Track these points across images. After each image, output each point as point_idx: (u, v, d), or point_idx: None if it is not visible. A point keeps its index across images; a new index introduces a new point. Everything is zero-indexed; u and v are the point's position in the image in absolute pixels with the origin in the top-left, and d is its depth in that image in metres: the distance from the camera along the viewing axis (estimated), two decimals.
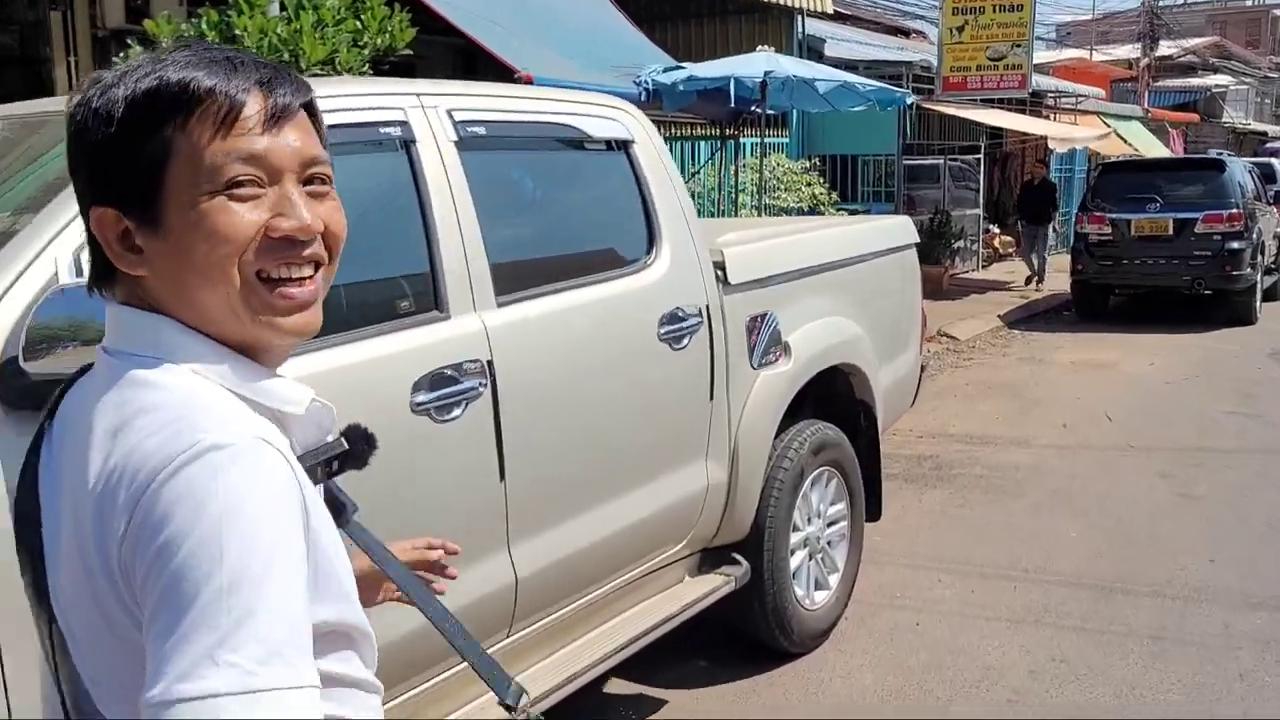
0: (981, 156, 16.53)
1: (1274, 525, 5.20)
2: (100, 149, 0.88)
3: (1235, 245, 11.29)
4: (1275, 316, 12.05)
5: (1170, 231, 11.55)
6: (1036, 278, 14.07)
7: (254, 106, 0.89)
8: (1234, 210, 11.33)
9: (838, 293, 3.98)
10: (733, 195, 11.63)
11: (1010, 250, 18.97)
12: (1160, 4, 31.88)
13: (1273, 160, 18.57)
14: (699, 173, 11.92)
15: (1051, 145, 13.74)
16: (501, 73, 7.42)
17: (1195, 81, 37.15)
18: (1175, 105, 32.77)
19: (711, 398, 3.24)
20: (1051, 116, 18.76)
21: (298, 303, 0.91)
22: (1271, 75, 48.16)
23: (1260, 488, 5.82)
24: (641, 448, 3.01)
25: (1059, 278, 13.85)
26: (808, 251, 3.84)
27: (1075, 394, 8.37)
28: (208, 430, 0.80)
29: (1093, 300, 12.38)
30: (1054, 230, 14.64)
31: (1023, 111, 17.24)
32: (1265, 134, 40.02)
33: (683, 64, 9.18)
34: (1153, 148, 21.64)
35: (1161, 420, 7.46)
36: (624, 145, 3.17)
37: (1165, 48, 32.49)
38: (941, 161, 15.46)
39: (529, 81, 7.46)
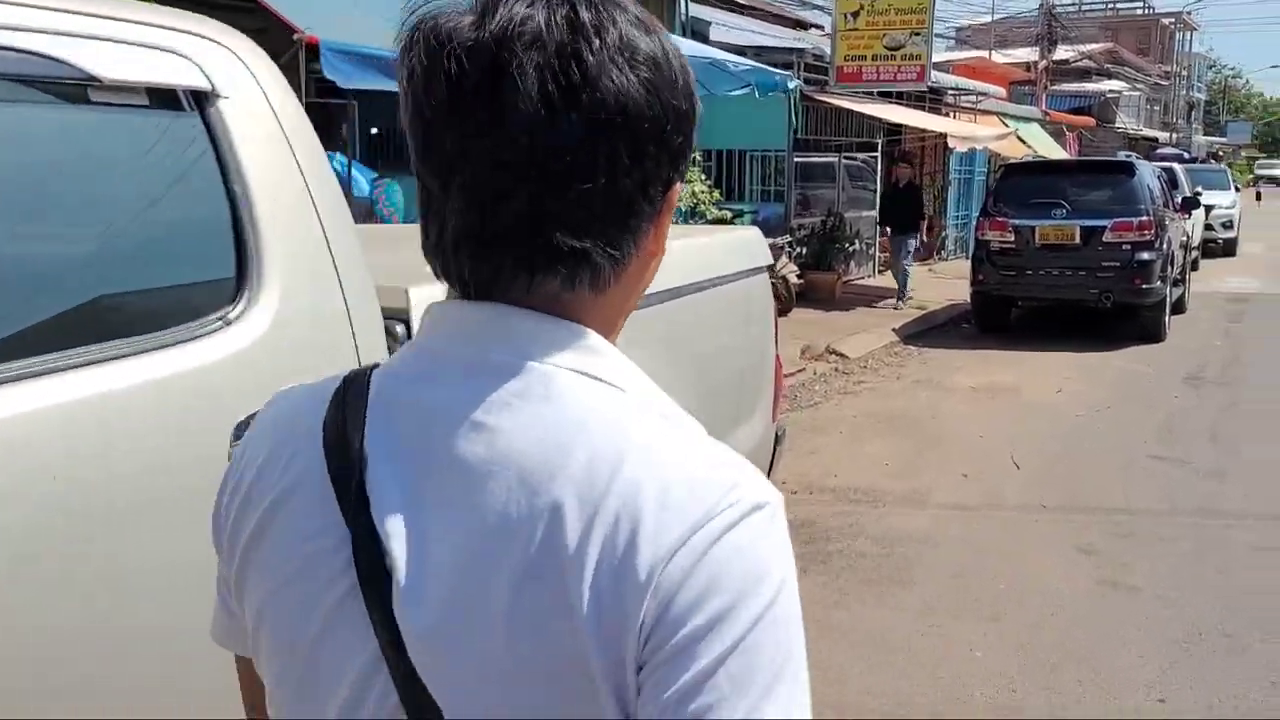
0: (879, 155, 15.47)
1: (1232, 636, 4.02)
2: (684, 115, 0.74)
3: (1145, 256, 10.36)
4: (1184, 332, 11.19)
5: (1077, 240, 10.57)
6: (897, 295, 12.64)
7: None
8: (1144, 218, 10.39)
9: (648, 344, 2.61)
10: None
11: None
12: (1056, 8, 31.96)
13: (1174, 165, 18.01)
14: None
15: (951, 144, 12.68)
16: (280, 32, 5.87)
17: (1090, 86, 37.67)
18: (1071, 110, 32.84)
19: None
20: (951, 115, 17.87)
21: None
22: (1162, 82, 49.24)
23: (1204, 573, 4.67)
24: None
25: (950, 288, 12.84)
26: None
27: (977, 430, 7.21)
28: (741, 479, 0.70)
29: (994, 313, 11.36)
30: (921, 240, 13.44)
31: (921, 108, 16.26)
32: (1156, 140, 40.57)
33: None
34: (1051, 150, 21.01)
35: (1077, 468, 6.32)
36: (199, 102, 1.73)
37: (1062, 52, 32.67)
38: (836, 159, 14.33)
39: (312, 45, 5.94)
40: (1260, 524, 5.30)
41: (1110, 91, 38.53)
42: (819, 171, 14.79)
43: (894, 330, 11.10)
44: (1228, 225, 20.54)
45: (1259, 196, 40.47)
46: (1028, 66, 31.12)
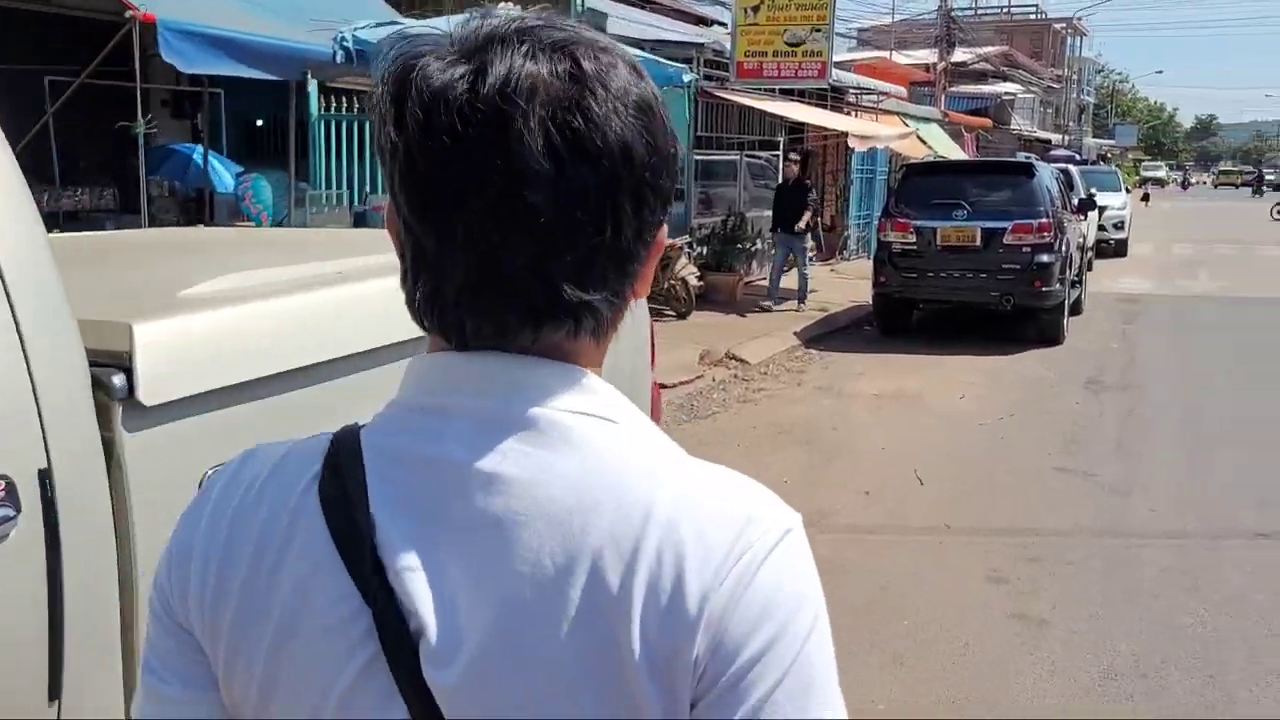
0: (780, 153, 15.23)
1: (1148, 676, 3.74)
2: (672, 158, 0.74)
3: (1044, 259, 10.27)
4: (1082, 333, 11.17)
5: (977, 242, 10.43)
6: (785, 299, 12.13)
7: None
8: (1044, 219, 10.30)
9: None
10: None
11: (813, 254, 17.93)
12: (953, 10, 32.52)
13: (1069, 167, 18.23)
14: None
15: (851, 143, 12.49)
16: (113, 10, 5.22)
17: (986, 89, 38.43)
18: (968, 111, 33.44)
19: (52, 700, 1.34)
20: (853, 114, 17.77)
21: None
22: (1054, 85, 50.68)
23: (1115, 601, 4.40)
24: None
25: (852, 289, 12.65)
26: (365, 314, 1.95)
27: (879, 441, 6.92)
28: (765, 506, 0.73)
29: (896, 315, 11.18)
30: (819, 240, 13.21)
31: (824, 107, 16.09)
32: (1049, 141, 41.65)
33: (400, 19, 7.20)
34: (951, 151, 21.15)
35: (982, 482, 6.06)
36: None
37: (959, 54, 33.33)
38: (738, 157, 14.03)
39: (148, 22, 5.30)
40: (1167, 543, 5.09)
41: (1006, 94, 39.38)
42: (721, 170, 14.48)
43: (795, 334, 10.82)
44: (1119, 226, 20.94)
45: (1146, 198, 41.88)
46: (927, 68, 31.59)
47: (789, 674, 0.68)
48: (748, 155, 14.40)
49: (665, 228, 0.76)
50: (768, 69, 12.00)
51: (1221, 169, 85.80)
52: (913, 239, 10.65)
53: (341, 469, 0.73)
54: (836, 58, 17.61)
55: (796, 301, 12.12)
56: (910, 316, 11.37)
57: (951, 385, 8.71)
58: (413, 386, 0.75)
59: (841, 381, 8.89)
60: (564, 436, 0.71)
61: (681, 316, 11.22)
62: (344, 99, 8.31)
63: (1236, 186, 71.12)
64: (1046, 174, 11.23)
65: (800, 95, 15.55)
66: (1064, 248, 10.66)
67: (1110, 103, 78.42)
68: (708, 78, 12.50)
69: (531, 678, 0.67)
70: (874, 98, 19.20)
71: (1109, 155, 58.30)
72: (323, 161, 8.16)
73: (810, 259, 13.13)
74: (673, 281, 11.14)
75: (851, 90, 18.07)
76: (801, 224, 11.90)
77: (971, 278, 10.43)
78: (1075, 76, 57.83)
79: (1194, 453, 6.73)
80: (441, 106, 0.67)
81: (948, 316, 11.57)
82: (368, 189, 8.56)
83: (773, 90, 13.58)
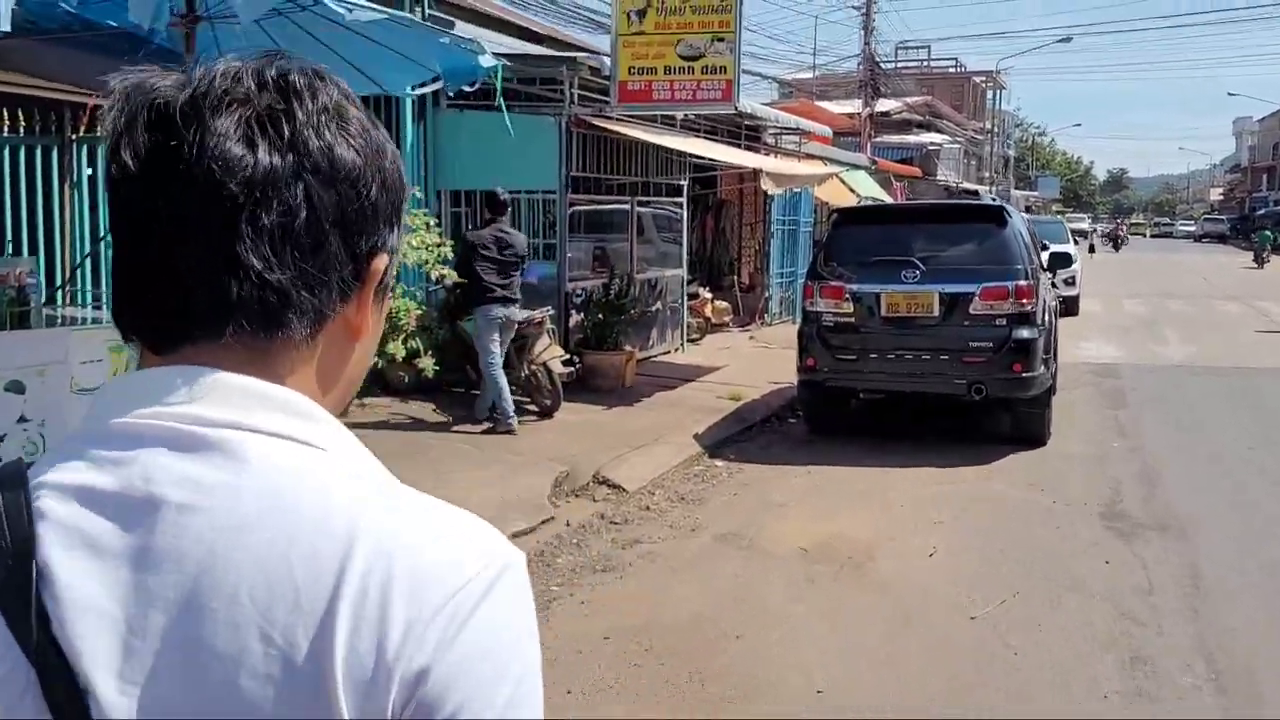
0: (684, 199, 12.53)
1: None
2: (392, 186, 0.77)
3: (1025, 334, 7.64)
4: (1066, 426, 8.42)
5: (935, 311, 7.77)
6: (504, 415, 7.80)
7: None
8: (1023, 281, 7.68)
9: None
10: None
11: (726, 319, 15.23)
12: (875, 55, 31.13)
13: (1023, 215, 15.86)
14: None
15: (765, 185, 9.76)
16: None
17: (912, 139, 37.63)
18: (894, 161, 31.93)
19: None
20: (772, 156, 15.21)
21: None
22: (978, 136, 50.02)
23: None
24: None
25: (775, 363, 9.91)
26: None
27: (812, 665, 4.08)
28: (488, 540, 0.71)
29: (828, 409, 8.45)
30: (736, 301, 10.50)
31: (735, 147, 13.49)
32: (976, 192, 40.23)
33: None
34: (881, 199, 18.81)
35: None
36: None
37: (883, 104, 32.23)
38: (628, 205, 11.27)
39: None
40: None
41: (932, 144, 38.48)
42: (615, 220, 11.74)
43: (695, 437, 8.00)
44: (1070, 282, 18.67)
45: (1093, 249, 40.61)
46: (850, 116, 29.77)
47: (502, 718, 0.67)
48: (641, 203, 11.65)
49: (385, 259, 0.76)
50: (658, 90, 9.30)
51: (1133, 220, 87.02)
52: (848, 308, 7.95)
53: (6, 517, 0.67)
54: (756, 103, 15.06)
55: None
56: (847, 406, 8.66)
57: (911, 525, 5.95)
58: (95, 406, 0.72)
59: (755, 521, 6.06)
60: (259, 462, 0.68)
61: (545, 414, 8.32)
62: None
63: (1146, 237, 72.12)
64: (1020, 222, 8.61)
65: (709, 133, 12.97)
66: (1046, 317, 8.07)
67: (1031, 155, 78.66)
68: (584, 102, 9.76)
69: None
70: (795, 139, 16.74)
71: (1033, 207, 57.56)
72: None
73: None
74: (533, 367, 8.26)
75: (770, 129, 15.54)
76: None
77: (929, 359, 7.74)
78: (996, 129, 57.41)
79: None
80: (142, 109, 0.71)
81: (893, 404, 8.88)
82: None
83: (671, 119, 10.91)
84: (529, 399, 8.40)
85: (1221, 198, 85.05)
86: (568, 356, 8.40)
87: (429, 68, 5.32)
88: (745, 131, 14.63)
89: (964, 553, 5.52)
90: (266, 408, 0.69)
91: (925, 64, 51.26)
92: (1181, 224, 77.29)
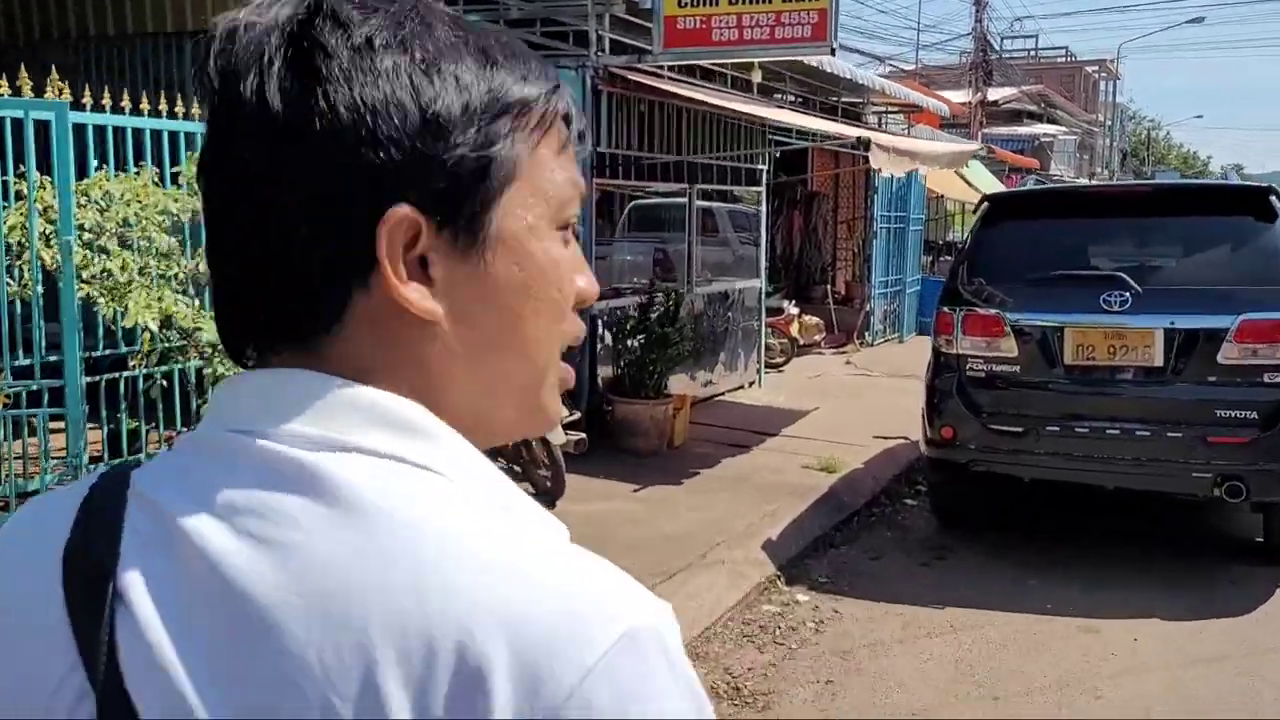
0: (763, 188, 9.65)
1: None
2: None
3: None
4: None
5: (1158, 358, 4.80)
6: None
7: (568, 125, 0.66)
8: None
9: None
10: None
11: (817, 338, 12.30)
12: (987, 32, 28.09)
13: None
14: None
15: (875, 162, 6.90)
16: None
17: (1023, 130, 34.62)
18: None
19: None
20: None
21: (567, 385, 0.69)
22: (1094, 129, 46.54)
23: None
24: None
25: (881, 404, 6.86)
26: None
27: None
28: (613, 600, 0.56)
29: (970, 500, 5.54)
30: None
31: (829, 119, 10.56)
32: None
33: None
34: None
35: None
36: None
37: (992, 93, 29.32)
38: (686, 193, 8.44)
39: None
40: None
41: (1045, 135, 35.39)
42: (671, 215, 8.98)
43: (769, 546, 5.16)
44: None
45: None
46: (962, 105, 26.69)
47: None
48: (706, 193, 8.82)
49: (403, 210, 0.58)
50: (719, 28, 6.49)
51: None
52: (1010, 351, 5.03)
53: (90, 521, 0.62)
54: (854, 67, 12.02)
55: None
56: (990, 500, 5.73)
57: None
58: (210, 411, 0.65)
59: None
60: (350, 490, 0.57)
61: (545, 496, 5.57)
62: None
63: None
64: None
65: (799, 108, 10.10)
66: None
67: (1145, 148, 73.88)
68: (617, 50, 7.00)
69: None
70: (902, 124, 13.72)
71: None
72: None
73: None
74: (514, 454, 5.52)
75: (873, 106, 12.58)
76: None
77: (1147, 437, 4.76)
78: (1113, 120, 53.58)
79: None
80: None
81: (1070, 496, 5.93)
82: None
83: (743, 78, 8.07)
84: (522, 475, 5.68)
85: None
86: (573, 415, 5.61)
87: None
88: (843, 106, 11.72)
89: None
90: (368, 419, 0.59)
91: (1033, 53, 47.99)
92: None
